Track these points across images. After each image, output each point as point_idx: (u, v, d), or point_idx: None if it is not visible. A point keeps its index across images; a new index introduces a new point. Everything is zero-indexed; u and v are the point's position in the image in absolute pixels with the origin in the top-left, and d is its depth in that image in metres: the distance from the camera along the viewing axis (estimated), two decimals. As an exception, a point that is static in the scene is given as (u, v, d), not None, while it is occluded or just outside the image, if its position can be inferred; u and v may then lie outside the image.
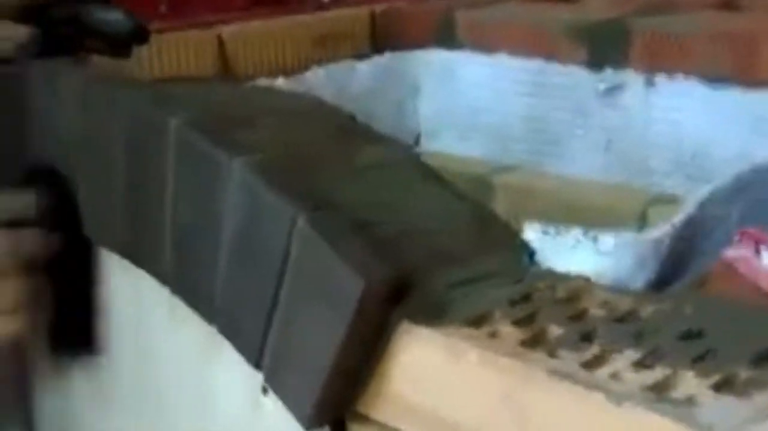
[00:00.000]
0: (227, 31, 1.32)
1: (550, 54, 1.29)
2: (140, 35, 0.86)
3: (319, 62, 1.38)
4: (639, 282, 0.71)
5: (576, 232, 0.71)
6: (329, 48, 1.40)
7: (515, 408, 0.57)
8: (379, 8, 1.45)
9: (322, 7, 1.43)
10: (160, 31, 1.29)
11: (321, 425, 0.67)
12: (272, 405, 0.71)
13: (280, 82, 1.31)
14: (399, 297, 0.63)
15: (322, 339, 0.63)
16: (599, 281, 0.68)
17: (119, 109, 0.73)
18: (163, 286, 0.76)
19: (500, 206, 1.32)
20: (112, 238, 0.78)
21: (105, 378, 0.86)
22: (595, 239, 0.70)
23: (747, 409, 0.51)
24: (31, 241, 0.76)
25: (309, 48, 1.38)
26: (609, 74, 1.24)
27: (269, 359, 0.68)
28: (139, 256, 0.76)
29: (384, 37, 1.44)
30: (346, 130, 0.79)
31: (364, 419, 0.66)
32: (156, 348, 0.80)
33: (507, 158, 1.36)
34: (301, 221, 0.62)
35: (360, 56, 1.42)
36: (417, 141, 1.46)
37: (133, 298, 0.81)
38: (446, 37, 1.39)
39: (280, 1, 1.41)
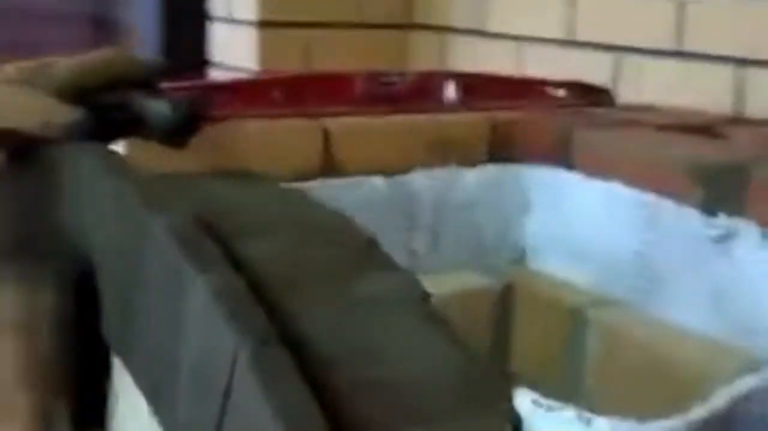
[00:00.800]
0: (335, 123, 1.30)
1: (664, 189, 1.20)
2: (188, 127, 0.84)
3: (428, 167, 1.33)
4: (635, 479, 0.61)
5: (569, 413, 0.62)
6: (441, 153, 1.35)
7: None
8: (501, 116, 1.40)
9: (441, 110, 1.39)
10: (269, 117, 1.29)
11: None
12: None
13: (378, 182, 1.28)
14: None
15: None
16: (584, 473, 0.60)
17: (113, 203, 0.71)
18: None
19: (590, 343, 1.24)
20: (112, 337, 0.76)
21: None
22: (588, 424, 0.62)
23: None
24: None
25: (419, 151, 1.34)
26: (722, 220, 1.13)
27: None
28: (126, 361, 0.74)
29: (501, 147, 1.38)
30: (359, 255, 0.74)
31: None
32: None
33: (609, 290, 1.27)
34: (242, 357, 0.57)
35: (471, 165, 1.37)
36: (521, 259, 1.39)
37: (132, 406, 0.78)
38: (562, 155, 1.32)
39: (399, 99, 1.37)
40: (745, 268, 1.12)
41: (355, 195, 1.26)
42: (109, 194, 0.71)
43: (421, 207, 1.31)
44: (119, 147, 0.86)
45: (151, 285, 0.68)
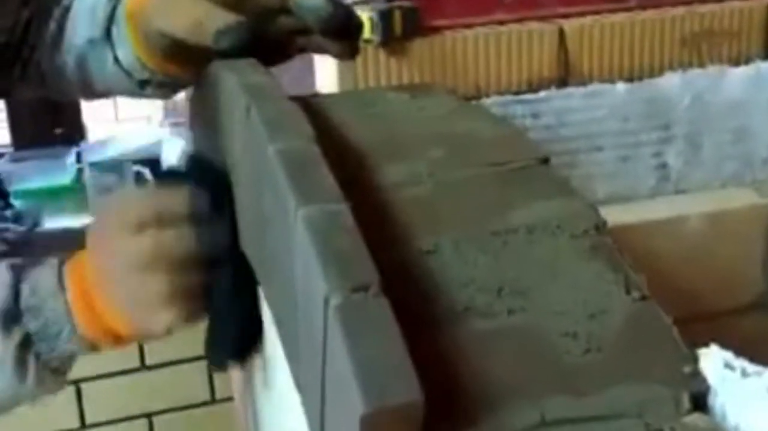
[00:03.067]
0: (572, 24, 1.15)
1: None
2: (355, 26, 0.73)
3: (684, 67, 1.15)
4: None
5: (766, 378, 0.47)
6: (702, 50, 1.16)
7: None
8: (776, 3, 1.17)
9: (699, 0, 1.19)
10: (500, 23, 1.16)
11: None
12: None
13: (621, 88, 1.12)
14: (452, 424, 0.46)
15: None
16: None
17: (243, 123, 0.63)
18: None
19: None
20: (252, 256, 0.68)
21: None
22: (792, 393, 0.46)
23: None
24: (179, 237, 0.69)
25: (673, 49, 1.15)
26: None
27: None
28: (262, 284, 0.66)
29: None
30: (523, 174, 0.60)
31: None
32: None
33: None
34: (332, 305, 0.47)
35: (740, 62, 1.16)
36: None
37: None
38: None
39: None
40: None
41: (594, 105, 1.11)
42: (241, 114, 0.63)
43: (675, 114, 1.12)
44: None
45: (269, 213, 0.59)
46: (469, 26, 1.14)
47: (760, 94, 1.14)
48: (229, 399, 1.67)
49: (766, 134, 1.14)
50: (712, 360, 0.49)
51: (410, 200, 0.58)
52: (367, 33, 1.07)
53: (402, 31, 1.09)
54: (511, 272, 0.54)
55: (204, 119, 0.79)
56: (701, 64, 1.15)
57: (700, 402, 0.48)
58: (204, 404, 1.82)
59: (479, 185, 0.59)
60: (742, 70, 1.14)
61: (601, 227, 0.56)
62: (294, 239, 0.53)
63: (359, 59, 1.04)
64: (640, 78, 1.13)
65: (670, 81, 1.12)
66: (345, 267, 0.49)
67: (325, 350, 0.49)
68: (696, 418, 0.48)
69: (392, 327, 0.46)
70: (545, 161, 0.62)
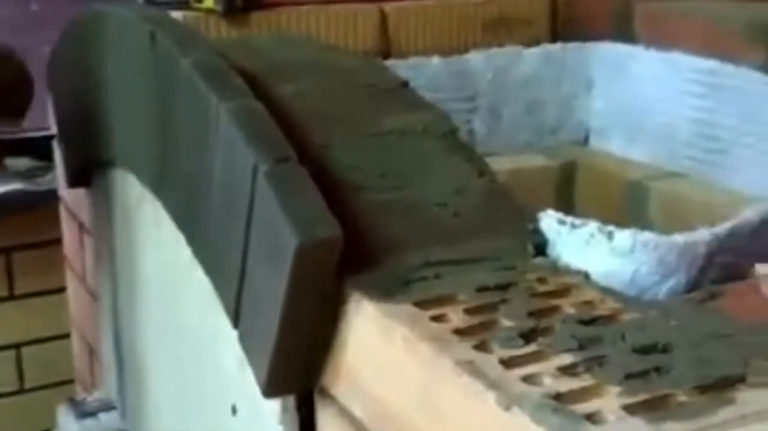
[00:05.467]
0: (392, 5, 1.29)
1: (726, 54, 1.16)
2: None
3: (487, 47, 1.32)
4: (660, 289, 0.61)
5: (592, 226, 0.62)
6: (501, 33, 1.34)
7: (430, 399, 0.51)
8: (560, -2, 1.37)
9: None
10: (329, 2, 1.29)
11: (278, 394, 0.64)
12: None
13: (435, 62, 1.28)
14: (357, 266, 0.59)
15: (272, 300, 0.59)
16: (605, 281, 0.60)
17: (149, 47, 0.73)
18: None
19: (652, 212, 1.22)
20: (141, 169, 0.78)
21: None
22: (610, 237, 0.61)
23: (651, 436, 0.43)
24: None
25: (478, 31, 1.32)
26: (787, 79, 1.10)
27: (243, 319, 0.65)
28: (160, 194, 0.76)
29: (562, 24, 1.36)
30: (389, 94, 0.74)
31: (326, 395, 0.62)
32: (179, 287, 0.79)
33: (672, 163, 1.24)
34: (261, 172, 0.59)
35: (532, 44, 1.35)
36: (586, 139, 1.37)
37: (158, 239, 0.81)
38: (623, 28, 1.29)
39: (456, -20, 1.36)
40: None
41: (412, 76, 1.26)
42: (144, 42, 0.73)
43: (480, 87, 1.30)
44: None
45: (182, 122, 0.70)
46: (301, 3, 1.27)
47: (548, 72, 1.33)
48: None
49: (554, 107, 1.34)
50: (549, 220, 0.64)
51: (300, 109, 0.71)
52: (210, 3, 1.18)
53: (242, 3, 1.21)
54: (391, 162, 0.67)
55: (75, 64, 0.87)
56: (500, 45, 1.32)
57: (541, 249, 0.63)
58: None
59: (355, 101, 0.72)
60: (533, 51, 1.33)
61: (455, 131, 0.71)
62: (217, 131, 0.64)
63: (203, 27, 1.14)
64: (451, 55, 1.29)
65: (475, 58, 1.29)
66: (269, 144, 0.61)
67: (251, 215, 0.61)
68: (539, 260, 0.63)
69: (312, 187, 0.59)
70: (405, 84, 0.76)
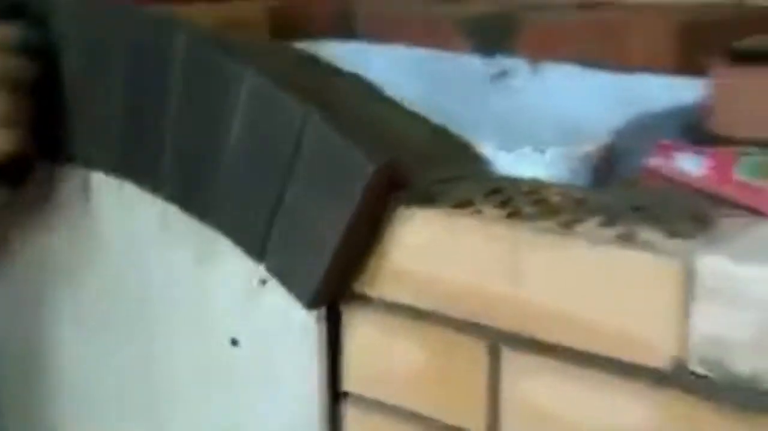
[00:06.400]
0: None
1: (443, 45, 1.43)
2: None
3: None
4: (577, 189, 0.84)
5: (527, 149, 0.84)
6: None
7: (508, 265, 0.69)
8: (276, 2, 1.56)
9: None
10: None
11: (322, 304, 0.77)
12: (269, 296, 0.80)
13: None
14: (397, 186, 0.75)
15: (329, 222, 0.73)
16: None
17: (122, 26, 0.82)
18: (154, 200, 0.84)
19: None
20: (102, 156, 0.86)
21: (90, 296, 0.93)
22: (542, 152, 0.84)
23: (691, 245, 0.65)
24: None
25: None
26: (498, 61, 1.39)
27: (273, 248, 0.77)
28: (132, 169, 0.84)
29: (283, 29, 1.55)
30: (312, 63, 0.90)
31: (362, 298, 0.77)
32: (145, 262, 0.87)
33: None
34: (316, 117, 0.73)
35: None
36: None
37: (121, 216, 0.88)
38: (345, 29, 1.52)
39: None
40: (521, 97, 1.40)
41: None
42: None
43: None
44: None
45: (175, 92, 0.80)
46: None
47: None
48: None
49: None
50: (489, 146, 0.85)
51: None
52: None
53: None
54: (357, 111, 0.83)
55: None
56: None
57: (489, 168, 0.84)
58: None
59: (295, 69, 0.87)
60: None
61: (372, 88, 0.89)
62: (239, 93, 0.76)
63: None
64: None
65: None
66: (307, 98, 0.74)
67: (294, 161, 0.74)
68: (503, 175, 0.83)
69: (354, 127, 0.74)
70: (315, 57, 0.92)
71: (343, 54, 1.52)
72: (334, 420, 0.80)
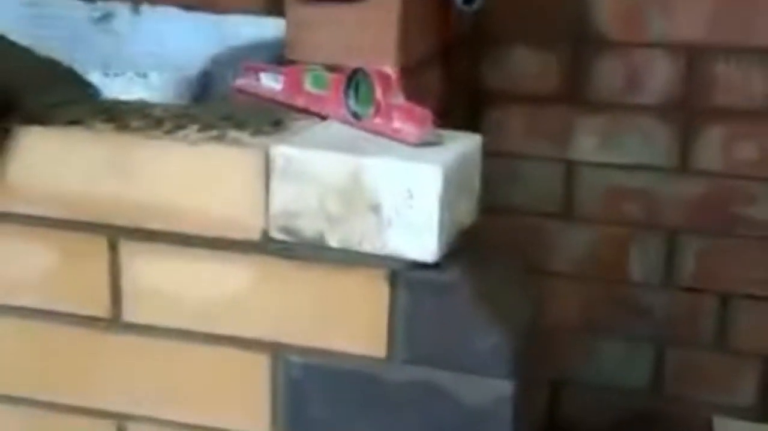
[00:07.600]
0: None
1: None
2: None
3: None
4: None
5: (130, 74, 0.96)
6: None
7: (120, 170, 0.82)
8: None
9: None
10: None
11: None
12: None
13: None
14: (8, 111, 0.84)
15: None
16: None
17: None
18: None
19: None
20: None
21: None
22: (145, 77, 0.96)
23: (269, 140, 0.81)
24: None
25: None
26: (100, 5, 1.48)
27: None
28: None
29: None
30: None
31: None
32: None
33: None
34: None
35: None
36: None
37: None
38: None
39: None
40: (124, 38, 1.49)
41: None
42: None
43: None
44: None
45: None
46: None
47: None
48: None
49: None
50: (95, 74, 0.95)
51: None
52: None
53: None
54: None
55: None
56: None
57: (97, 93, 0.95)
58: None
59: None
60: None
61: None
62: None
63: None
64: None
65: None
66: None
67: None
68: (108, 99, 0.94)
69: None
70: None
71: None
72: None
